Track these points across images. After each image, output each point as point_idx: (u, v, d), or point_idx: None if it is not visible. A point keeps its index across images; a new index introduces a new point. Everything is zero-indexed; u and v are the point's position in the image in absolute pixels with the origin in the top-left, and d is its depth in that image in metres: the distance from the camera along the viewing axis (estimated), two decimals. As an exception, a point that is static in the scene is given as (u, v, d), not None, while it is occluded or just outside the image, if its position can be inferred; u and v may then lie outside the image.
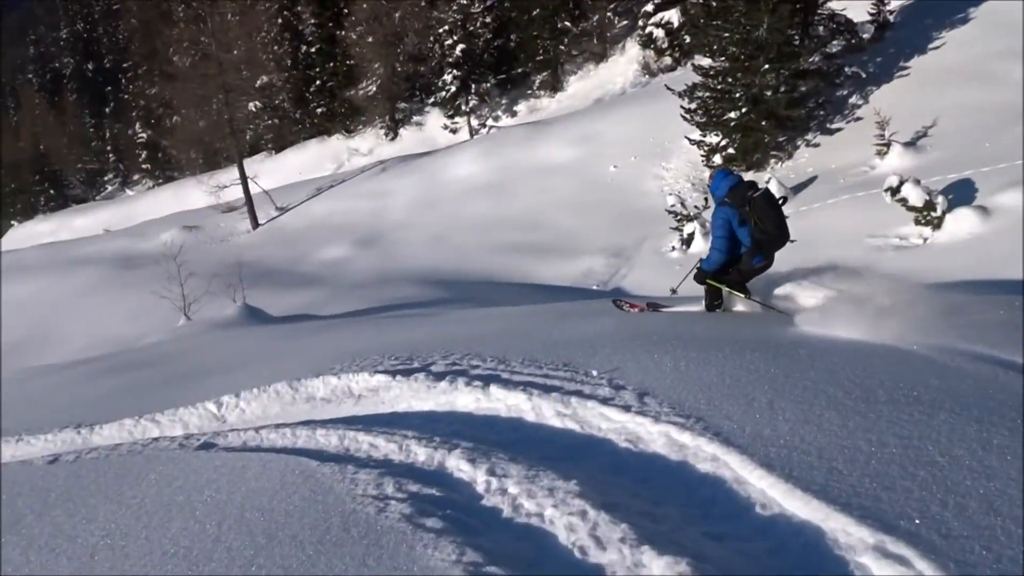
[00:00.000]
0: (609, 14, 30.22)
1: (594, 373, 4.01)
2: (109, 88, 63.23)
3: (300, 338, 8.55)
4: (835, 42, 17.73)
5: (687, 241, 15.62)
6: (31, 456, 5.28)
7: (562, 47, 30.26)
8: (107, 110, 61.32)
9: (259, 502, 3.11)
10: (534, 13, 29.75)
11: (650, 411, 3.33)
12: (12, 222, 57.06)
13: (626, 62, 29.73)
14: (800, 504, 2.42)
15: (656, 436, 3.13)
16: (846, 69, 17.30)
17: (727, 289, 5.81)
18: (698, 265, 5.87)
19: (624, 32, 30.63)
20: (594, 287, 15.69)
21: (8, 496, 4.06)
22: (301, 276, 20.29)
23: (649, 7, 26.63)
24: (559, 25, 29.60)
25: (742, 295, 5.76)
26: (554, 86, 31.57)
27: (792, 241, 5.68)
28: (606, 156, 21.81)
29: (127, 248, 28.99)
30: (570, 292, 14.40)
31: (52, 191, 57.74)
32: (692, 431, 3.04)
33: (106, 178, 59.98)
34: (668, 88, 18.78)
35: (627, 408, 3.41)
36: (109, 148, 57.75)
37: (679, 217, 15.88)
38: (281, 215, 28.25)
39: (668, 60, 27.10)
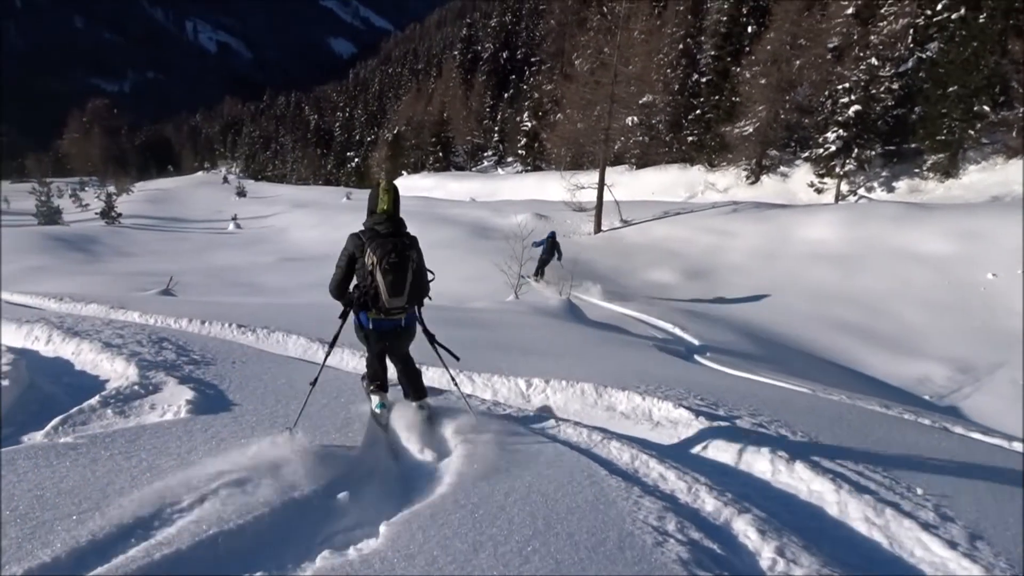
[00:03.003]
0: (1043, 107, 26.31)
1: (919, 491, 3.56)
2: (513, 77, 70.10)
3: (611, 347, 8.79)
4: None
5: (1061, 385, 13.19)
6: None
7: (971, 132, 26.98)
8: (505, 95, 68.01)
9: (545, 488, 3.25)
10: (950, 89, 26.93)
11: (981, 559, 2.88)
12: (402, 171, 66.38)
13: (1046, 164, 25.67)
14: None
15: (983, 591, 2.69)
16: None
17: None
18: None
19: (1055, 131, 26.42)
20: (926, 397, 13.93)
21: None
22: (624, 288, 20.78)
23: (1099, 109, 22.73)
24: (976, 108, 26.41)
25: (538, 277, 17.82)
26: (948, 171, 28.26)
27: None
28: (986, 261, 19.13)
29: (484, 219, 32.09)
30: (898, 393, 12.95)
31: (441, 154, 65.80)
32: (1031, 603, 2.57)
33: (485, 154, 66.69)
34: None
35: (952, 544, 2.99)
36: (496, 129, 64.06)
37: (1059, 355, 13.37)
38: (623, 227, 29.17)
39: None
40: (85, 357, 5.54)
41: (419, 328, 4.39)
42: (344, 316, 4.25)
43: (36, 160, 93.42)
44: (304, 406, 4.04)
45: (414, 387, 4.48)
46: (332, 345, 4.36)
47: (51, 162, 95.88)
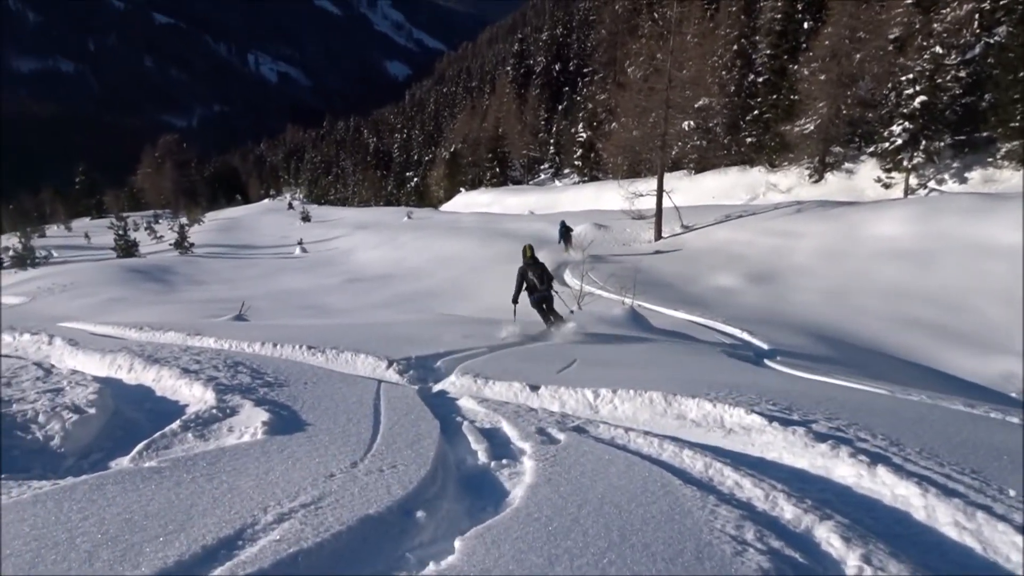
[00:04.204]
0: (1125, 87, 24.96)
1: (1012, 493, 3.37)
2: (566, 89, 70.36)
3: (678, 355, 8.68)
4: None
5: None
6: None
7: (1047, 116, 25.78)
8: (559, 107, 68.21)
9: (618, 500, 3.22)
10: (1020, 74, 25.81)
11: (1084, 564, 2.71)
12: (461, 188, 67.12)
13: None
14: None
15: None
16: None
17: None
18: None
19: None
20: (1013, 395, 13.30)
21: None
22: (687, 295, 20.49)
23: None
24: (1050, 91, 25.26)
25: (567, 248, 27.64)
26: (1023, 158, 27.11)
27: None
28: (1071, 251, 18.23)
29: (543, 231, 32.14)
30: (982, 392, 12.41)
31: (498, 169, 66.30)
32: None
33: (542, 167, 66.90)
34: None
35: (1052, 549, 2.82)
36: (552, 141, 64.23)
37: None
38: (684, 233, 28.84)
39: None
40: (165, 383, 5.75)
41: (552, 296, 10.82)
42: (515, 300, 10.45)
43: (114, 196, 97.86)
44: (515, 316, 10.33)
45: (547, 318, 10.67)
46: (515, 313, 10.40)
47: (127, 197, 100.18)
